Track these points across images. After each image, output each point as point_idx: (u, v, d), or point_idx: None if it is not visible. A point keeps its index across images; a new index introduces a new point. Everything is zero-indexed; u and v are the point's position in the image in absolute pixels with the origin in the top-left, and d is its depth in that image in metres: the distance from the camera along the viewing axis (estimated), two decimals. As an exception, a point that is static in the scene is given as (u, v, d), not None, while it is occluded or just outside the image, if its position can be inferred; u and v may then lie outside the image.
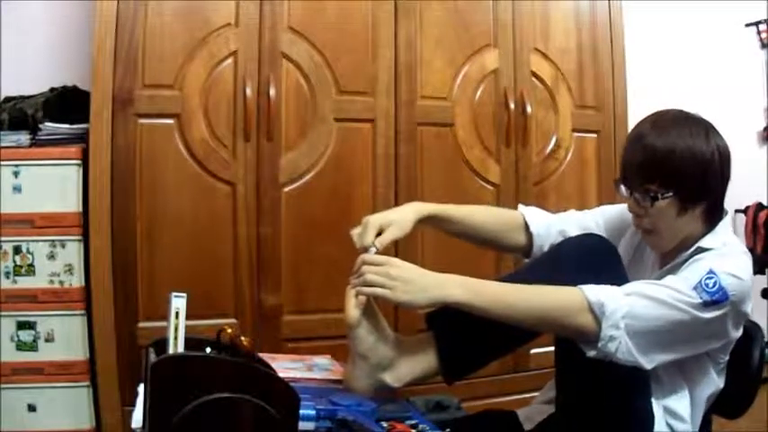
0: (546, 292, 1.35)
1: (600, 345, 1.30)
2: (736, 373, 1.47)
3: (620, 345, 1.29)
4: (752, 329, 1.50)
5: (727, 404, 1.50)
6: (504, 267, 2.66)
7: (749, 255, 1.43)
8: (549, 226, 1.66)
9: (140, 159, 2.30)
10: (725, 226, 1.45)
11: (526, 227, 1.67)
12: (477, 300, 1.34)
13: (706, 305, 1.30)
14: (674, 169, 1.37)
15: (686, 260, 1.41)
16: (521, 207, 1.72)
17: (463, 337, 1.44)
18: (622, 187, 1.46)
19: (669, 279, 1.35)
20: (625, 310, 1.30)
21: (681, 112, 1.45)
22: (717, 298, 1.30)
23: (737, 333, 1.40)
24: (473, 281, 1.38)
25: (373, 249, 1.44)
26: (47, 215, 2.28)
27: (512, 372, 2.68)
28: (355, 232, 1.50)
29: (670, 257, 1.48)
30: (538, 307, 1.34)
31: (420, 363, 1.45)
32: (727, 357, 1.44)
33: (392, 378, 1.44)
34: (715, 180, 1.40)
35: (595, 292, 1.31)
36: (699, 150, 1.38)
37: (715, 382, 1.44)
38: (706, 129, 1.41)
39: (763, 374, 1.55)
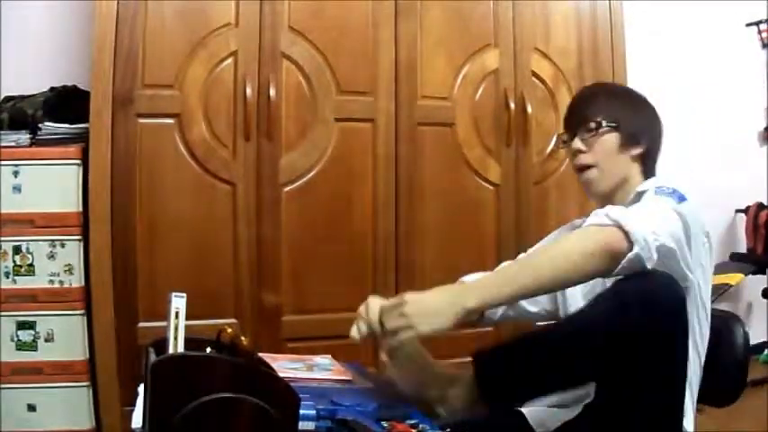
0: (555, 246, 1.33)
1: (638, 248, 1.22)
2: (723, 362, 1.51)
3: (655, 237, 1.24)
4: (729, 320, 1.57)
5: (715, 393, 1.53)
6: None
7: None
8: None
9: (140, 159, 2.30)
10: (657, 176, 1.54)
11: None
12: (491, 294, 1.27)
13: (676, 201, 1.35)
14: (618, 104, 1.53)
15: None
16: (460, 279, 1.60)
17: (509, 380, 1.34)
18: (565, 135, 1.58)
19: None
20: (635, 218, 1.26)
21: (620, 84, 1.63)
22: (679, 195, 1.36)
23: (709, 258, 1.42)
24: (481, 280, 1.34)
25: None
26: (47, 215, 2.28)
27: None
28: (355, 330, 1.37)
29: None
30: (554, 258, 1.27)
31: (464, 396, 1.38)
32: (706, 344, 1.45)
33: (443, 409, 1.39)
34: (652, 126, 1.56)
35: (597, 213, 1.29)
36: (639, 98, 1.58)
37: (698, 375, 1.46)
38: (644, 98, 1.60)
39: (762, 375, 1.55)
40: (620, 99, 1.57)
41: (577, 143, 1.53)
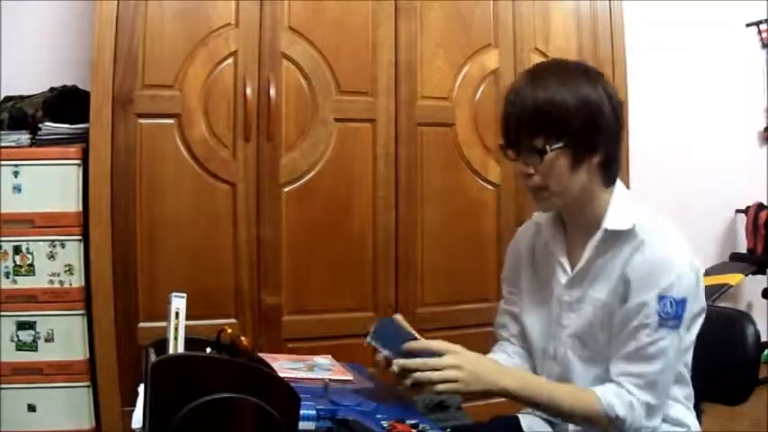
0: (579, 396, 1.32)
1: None
2: (734, 360, 1.51)
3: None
4: (740, 318, 1.55)
5: (727, 391, 1.54)
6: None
7: (670, 225, 1.33)
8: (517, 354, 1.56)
9: (140, 159, 2.30)
10: (623, 193, 1.36)
11: None
12: (523, 391, 1.31)
13: (679, 323, 1.27)
14: (560, 117, 1.26)
15: (595, 251, 1.34)
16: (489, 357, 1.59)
17: None
18: (509, 152, 1.34)
19: (638, 337, 1.27)
20: (642, 409, 1.28)
21: (561, 60, 1.37)
22: (681, 310, 1.26)
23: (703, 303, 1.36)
24: (522, 372, 1.41)
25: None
26: (47, 215, 2.28)
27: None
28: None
29: (575, 243, 1.39)
30: (573, 407, 1.32)
31: None
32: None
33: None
34: (608, 126, 1.29)
35: (609, 401, 1.28)
36: (585, 94, 1.27)
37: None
38: (591, 73, 1.32)
39: (763, 374, 1.55)
40: (562, 101, 1.26)
41: (523, 166, 1.32)
